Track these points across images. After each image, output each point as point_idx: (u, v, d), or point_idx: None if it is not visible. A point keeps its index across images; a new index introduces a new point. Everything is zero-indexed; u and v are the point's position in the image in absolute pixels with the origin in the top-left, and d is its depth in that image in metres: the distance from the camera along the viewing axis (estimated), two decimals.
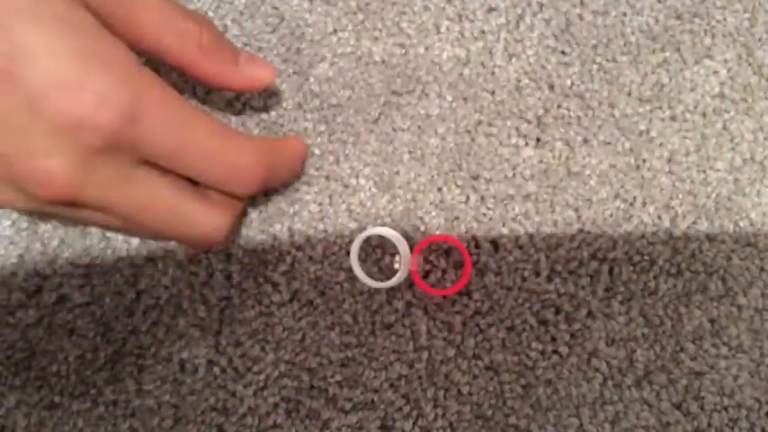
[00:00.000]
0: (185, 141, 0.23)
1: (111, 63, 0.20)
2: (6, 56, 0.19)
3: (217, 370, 0.30)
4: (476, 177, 0.32)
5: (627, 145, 0.32)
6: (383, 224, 0.31)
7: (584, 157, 0.32)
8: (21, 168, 0.20)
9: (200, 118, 0.23)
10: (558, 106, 0.33)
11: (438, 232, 0.31)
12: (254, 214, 0.31)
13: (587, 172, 0.32)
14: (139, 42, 0.24)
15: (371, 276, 0.30)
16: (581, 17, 0.34)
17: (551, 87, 0.33)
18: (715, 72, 0.33)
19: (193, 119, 0.23)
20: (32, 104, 0.19)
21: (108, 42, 0.21)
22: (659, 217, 0.32)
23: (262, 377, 0.30)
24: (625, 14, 0.34)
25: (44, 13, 0.19)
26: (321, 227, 0.31)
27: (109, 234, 0.31)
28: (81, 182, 0.20)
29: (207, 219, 0.25)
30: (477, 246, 0.31)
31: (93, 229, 0.31)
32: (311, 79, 0.32)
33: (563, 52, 0.33)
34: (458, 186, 0.32)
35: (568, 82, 0.33)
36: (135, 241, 0.31)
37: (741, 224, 0.32)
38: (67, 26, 0.20)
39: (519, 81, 0.33)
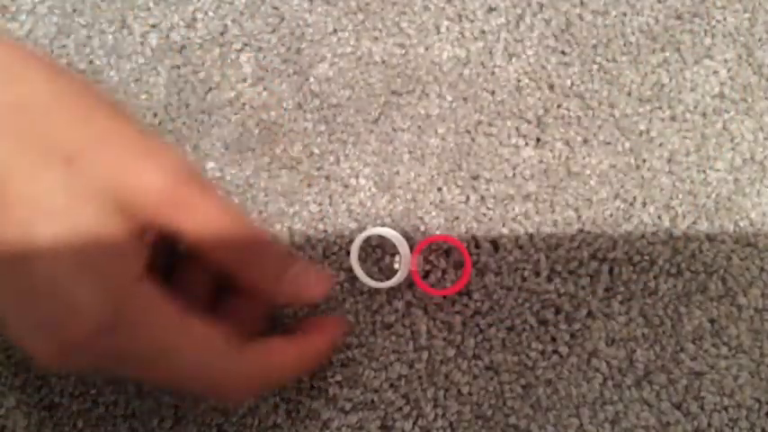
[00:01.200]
0: (160, 355, 0.22)
1: (105, 276, 0.20)
2: None
3: None
4: (476, 177, 0.32)
5: (627, 145, 0.32)
6: (383, 224, 0.31)
7: (584, 157, 0.32)
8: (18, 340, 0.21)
9: (189, 331, 0.22)
10: (558, 106, 0.33)
11: (438, 232, 0.31)
12: (254, 214, 0.31)
13: (587, 172, 0.32)
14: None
15: (371, 276, 0.30)
16: (581, 17, 0.34)
17: (551, 87, 0.33)
18: (715, 72, 0.33)
19: (178, 333, 0.22)
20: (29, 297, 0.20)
21: (108, 253, 0.20)
22: (659, 217, 0.32)
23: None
24: (625, 14, 0.34)
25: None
26: (321, 227, 0.31)
27: None
28: (60, 364, 0.21)
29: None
30: (477, 246, 0.31)
31: None
32: (311, 79, 0.32)
33: (563, 52, 0.33)
34: (458, 186, 0.32)
35: (568, 82, 0.33)
36: None
37: (741, 224, 0.32)
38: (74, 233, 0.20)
39: (519, 81, 0.33)
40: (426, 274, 0.31)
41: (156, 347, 0.22)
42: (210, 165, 0.32)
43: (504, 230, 0.31)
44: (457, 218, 0.31)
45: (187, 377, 0.23)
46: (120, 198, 0.20)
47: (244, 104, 0.32)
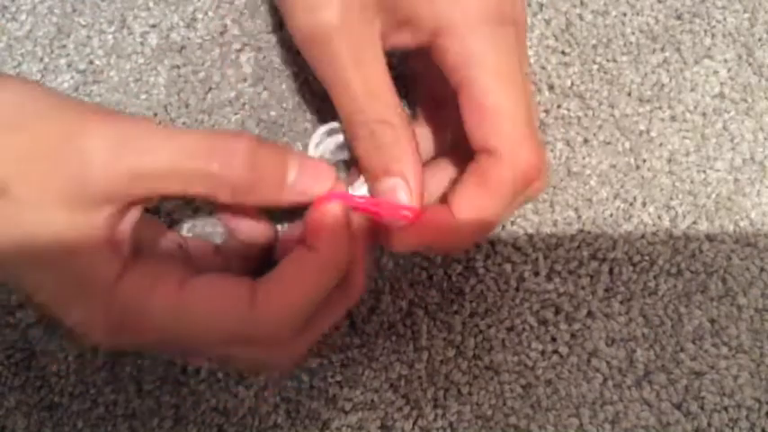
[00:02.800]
0: (178, 334, 0.22)
1: (86, 289, 0.21)
2: None
3: (218, 371, 0.30)
4: None
5: (627, 145, 0.32)
6: None
7: (584, 157, 0.32)
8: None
9: (192, 300, 0.22)
10: (558, 106, 0.33)
11: None
12: None
13: (587, 172, 0.32)
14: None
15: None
16: (581, 17, 0.34)
17: (551, 87, 0.33)
18: (715, 72, 0.33)
19: (181, 308, 0.21)
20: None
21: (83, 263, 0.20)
22: (659, 217, 0.32)
23: (262, 377, 0.30)
24: (625, 14, 0.34)
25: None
26: None
27: None
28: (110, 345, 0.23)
29: None
30: (477, 245, 0.31)
31: None
32: (311, 79, 0.32)
33: (563, 52, 0.33)
34: None
35: (568, 82, 0.33)
36: None
37: (741, 224, 0.32)
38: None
39: None
40: None
41: (169, 329, 0.21)
42: None
43: (504, 230, 0.31)
44: None
45: (214, 343, 0.22)
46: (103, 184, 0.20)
47: (244, 104, 0.32)
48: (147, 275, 0.21)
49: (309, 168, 0.23)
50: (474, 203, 0.23)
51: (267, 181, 0.22)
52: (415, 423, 0.30)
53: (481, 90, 0.22)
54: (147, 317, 0.21)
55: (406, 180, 0.23)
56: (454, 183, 0.24)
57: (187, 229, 0.30)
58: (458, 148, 0.26)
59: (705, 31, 0.34)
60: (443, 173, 0.26)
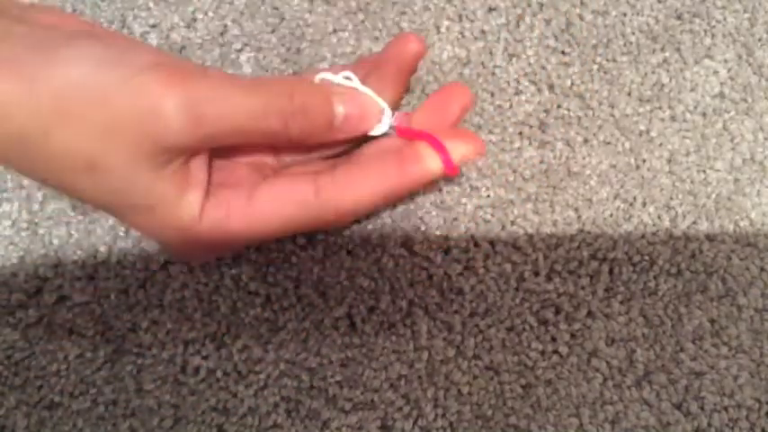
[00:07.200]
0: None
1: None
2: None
3: (218, 370, 0.30)
4: (476, 178, 0.32)
5: (627, 145, 0.32)
6: (382, 223, 0.31)
7: (584, 157, 0.32)
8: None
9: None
10: (559, 106, 0.33)
11: (438, 232, 0.31)
12: None
13: (587, 172, 0.32)
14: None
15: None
16: (581, 17, 0.34)
17: (551, 87, 0.33)
18: (715, 72, 0.33)
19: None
20: None
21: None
22: (659, 217, 0.32)
23: (262, 377, 0.30)
24: (625, 14, 0.34)
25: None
26: None
27: (118, 231, 0.31)
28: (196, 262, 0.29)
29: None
30: (477, 245, 0.31)
31: (98, 228, 0.31)
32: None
33: (563, 52, 0.33)
34: (458, 186, 0.32)
35: (568, 82, 0.33)
36: (145, 243, 0.31)
37: (741, 224, 0.32)
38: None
39: (519, 81, 0.33)
40: None
41: (247, 238, 0.25)
42: None
43: (504, 230, 0.31)
44: (456, 218, 0.31)
45: (286, 233, 0.25)
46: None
47: None
48: (222, 204, 0.24)
49: (356, 107, 0.25)
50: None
51: (318, 128, 0.24)
52: (415, 423, 0.30)
53: None
54: (227, 239, 0.24)
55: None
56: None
57: None
58: None
59: (705, 31, 0.34)
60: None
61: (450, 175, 0.25)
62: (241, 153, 0.27)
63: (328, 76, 0.25)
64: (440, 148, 0.24)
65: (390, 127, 0.26)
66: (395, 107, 0.26)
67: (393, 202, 0.30)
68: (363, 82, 0.26)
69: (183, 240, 0.24)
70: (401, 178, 0.24)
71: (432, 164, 0.24)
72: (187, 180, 0.23)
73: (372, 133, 0.26)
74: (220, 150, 0.26)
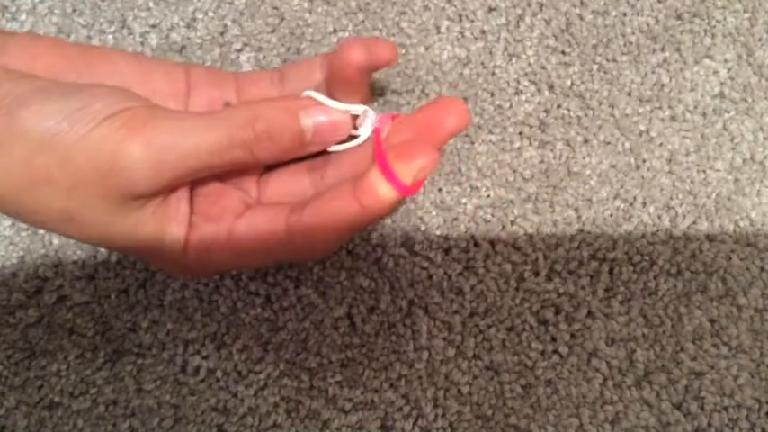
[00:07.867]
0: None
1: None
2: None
3: (218, 370, 0.30)
4: (476, 178, 0.32)
5: (627, 145, 0.32)
6: (382, 224, 0.31)
7: (584, 157, 0.32)
8: None
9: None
10: (559, 106, 0.33)
11: (438, 232, 0.31)
12: None
13: (587, 172, 0.32)
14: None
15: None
16: (581, 17, 0.34)
17: (551, 87, 0.33)
18: (715, 72, 0.33)
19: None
20: None
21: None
22: (659, 217, 0.32)
23: (262, 377, 0.30)
24: (625, 14, 0.34)
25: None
26: None
27: None
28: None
29: None
30: (477, 245, 0.31)
31: None
32: None
33: (563, 52, 0.33)
34: (458, 186, 0.32)
35: (568, 82, 0.33)
36: None
37: (741, 224, 0.32)
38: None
39: (519, 81, 0.33)
40: None
41: (230, 264, 0.25)
42: None
43: (504, 231, 0.31)
44: (456, 218, 0.31)
45: (265, 262, 0.28)
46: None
47: None
48: (204, 242, 0.24)
49: (324, 118, 0.25)
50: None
51: (288, 147, 0.24)
52: (415, 423, 0.30)
53: None
54: (211, 264, 0.25)
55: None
56: None
57: None
58: None
59: (705, 31, 0.34)
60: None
61: (409, 195, 0.24)
62: (225, 175, 0.26)
63: (313, 94, 0.25)
64: (388, 173, 0.22)
65: (373, 130, 0.25)
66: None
67: (364, 227, 0.29)
68: (328, 91, 0.25)
69: (173, 268, 0.25)
70: (360, 211, 0.23)
71: (383, 191, 0.23)
72: (167, 216, 0.23)
73: (362, 136, 0.25)
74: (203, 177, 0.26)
